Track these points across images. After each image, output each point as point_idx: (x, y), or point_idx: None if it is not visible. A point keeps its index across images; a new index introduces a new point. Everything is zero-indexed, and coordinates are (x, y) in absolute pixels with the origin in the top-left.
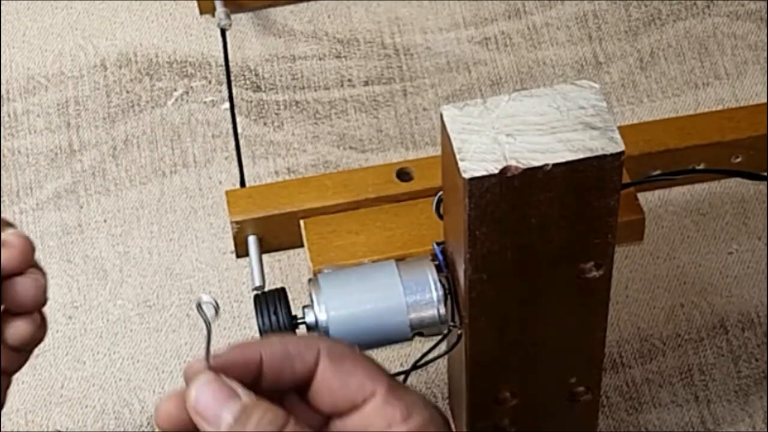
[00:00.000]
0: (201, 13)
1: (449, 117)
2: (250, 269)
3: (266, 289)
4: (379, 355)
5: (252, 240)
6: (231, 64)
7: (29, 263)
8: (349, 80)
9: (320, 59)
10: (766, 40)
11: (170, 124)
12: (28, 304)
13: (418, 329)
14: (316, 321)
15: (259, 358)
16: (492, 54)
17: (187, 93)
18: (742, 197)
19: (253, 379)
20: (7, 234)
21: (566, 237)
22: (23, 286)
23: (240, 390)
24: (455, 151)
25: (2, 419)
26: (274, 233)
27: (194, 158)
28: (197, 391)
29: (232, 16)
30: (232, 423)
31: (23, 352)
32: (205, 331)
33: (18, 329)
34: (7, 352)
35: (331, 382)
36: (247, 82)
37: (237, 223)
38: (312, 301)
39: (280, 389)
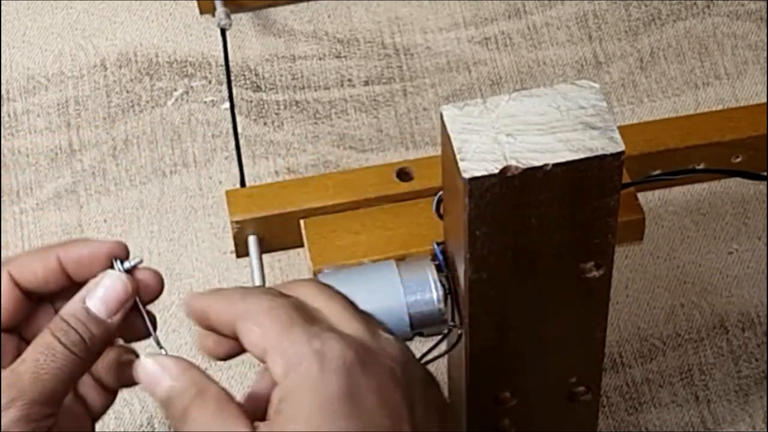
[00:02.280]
0: (201, 13)
1: (449, 117)
2: (250, 269)
3: None
4: None
5: (252, 240)
6: (231, 64)
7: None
8: (349, 80)
9: (320, 59)
10: (766, 40)
11: (170, 124)
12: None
13: (418, 329)
14: None
15: None
16: (492, 54)
17: (187, 93)
18: (742, 197)
19: None
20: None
21: (566, 237)
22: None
23: None
24: (455, 151)
25: None
26: (274, 233)
27: (194, 158)
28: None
29: (232, 16)
30: None
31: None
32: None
33: None
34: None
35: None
36: (247, 82)
37: (237, 223)
38: None
39: None
